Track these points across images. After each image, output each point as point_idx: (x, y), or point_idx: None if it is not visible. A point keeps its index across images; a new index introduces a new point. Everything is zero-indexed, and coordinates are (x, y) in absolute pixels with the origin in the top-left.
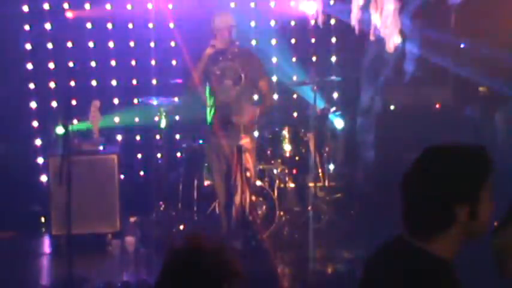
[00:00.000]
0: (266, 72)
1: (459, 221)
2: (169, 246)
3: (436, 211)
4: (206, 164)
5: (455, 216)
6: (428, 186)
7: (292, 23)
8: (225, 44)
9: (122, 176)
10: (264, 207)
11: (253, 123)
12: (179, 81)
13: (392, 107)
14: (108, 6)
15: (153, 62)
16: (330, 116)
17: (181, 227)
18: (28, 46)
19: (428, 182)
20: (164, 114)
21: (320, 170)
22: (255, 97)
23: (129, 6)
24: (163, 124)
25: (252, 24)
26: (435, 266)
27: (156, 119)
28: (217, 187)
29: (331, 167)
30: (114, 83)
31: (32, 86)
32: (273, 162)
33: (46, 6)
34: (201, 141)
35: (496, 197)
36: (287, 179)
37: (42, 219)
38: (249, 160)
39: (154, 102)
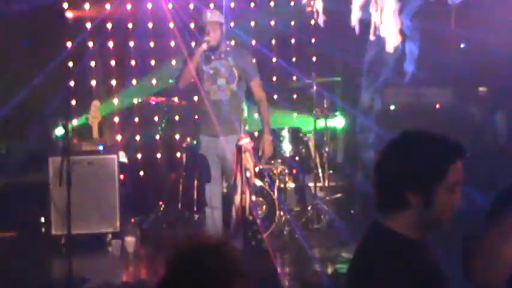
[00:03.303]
0: (256, 72)
1: (413, 206)
2: (173, 245)
3: (390, 196)
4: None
5: (408, 202)
6: (386, 172)
7: (292, 23)
8: (217, 41)
9: (122, 176)
10: (264, 207)
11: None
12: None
13: (392, 107)
14: (108, 6)
15: (153, 62)
16: (330, 115)
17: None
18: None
19: (386, 167)
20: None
21: (320, 170)
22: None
23: (129, 6)
24: (163, 124)
25: (252, 24)
26: (396, 241)
27: (156, 119)
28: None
29: (331, 167)
30: (113, 82)
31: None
32: (273, 162)
33: (46, 6)
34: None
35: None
36: (287, 179)
37: (42, 219)
38: (249, 160)
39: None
